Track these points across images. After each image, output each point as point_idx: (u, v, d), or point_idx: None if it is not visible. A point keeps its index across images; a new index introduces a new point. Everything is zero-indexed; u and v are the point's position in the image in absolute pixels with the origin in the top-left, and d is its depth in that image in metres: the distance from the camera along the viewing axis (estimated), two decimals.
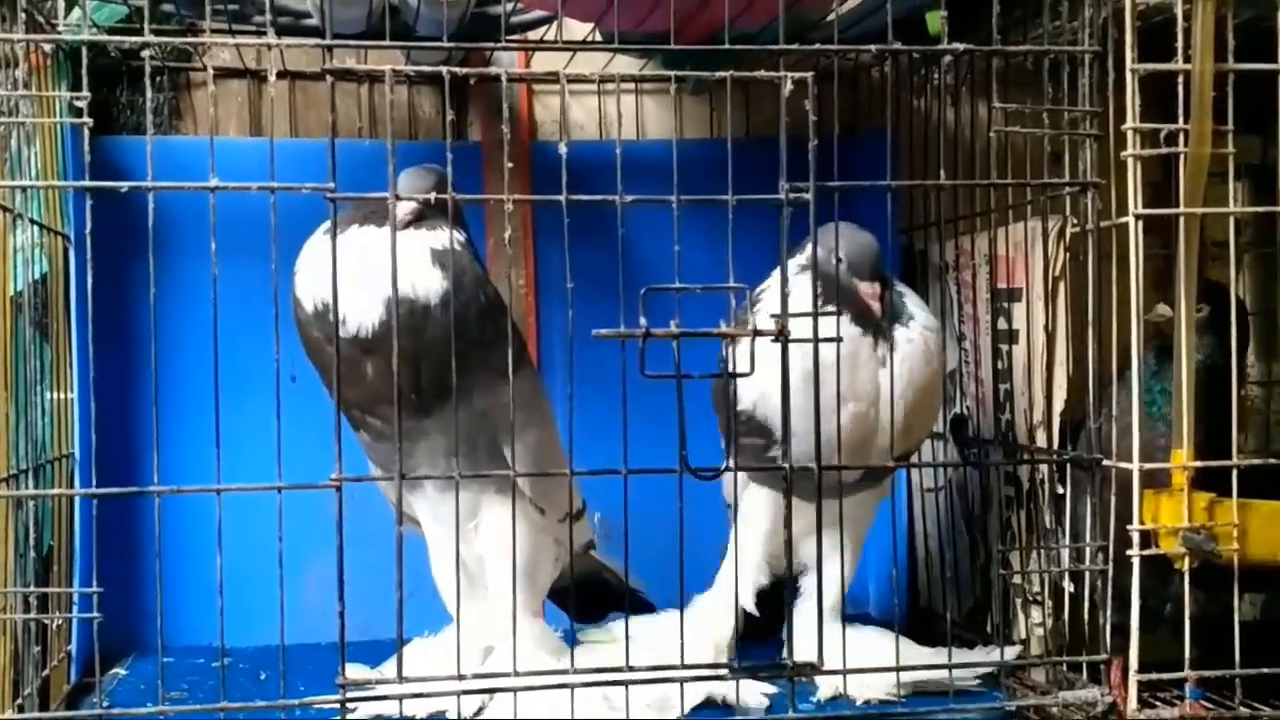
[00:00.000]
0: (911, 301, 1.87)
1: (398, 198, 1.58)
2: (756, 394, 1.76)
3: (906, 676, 1.81)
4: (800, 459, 1.65)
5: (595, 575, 2.12)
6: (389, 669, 1.69)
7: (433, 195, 1.65)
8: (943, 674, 1.79)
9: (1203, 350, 1.82)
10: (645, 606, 2.12)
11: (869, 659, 1.78)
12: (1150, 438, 1.71)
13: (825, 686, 1.84)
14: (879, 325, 1.79)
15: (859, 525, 1.86)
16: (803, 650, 1.71)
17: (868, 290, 1.78)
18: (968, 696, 1.84)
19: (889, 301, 1.81)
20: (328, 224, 1.67)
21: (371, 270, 1.64)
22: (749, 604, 1.96)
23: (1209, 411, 1.74)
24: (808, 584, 1.95)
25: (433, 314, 1.67)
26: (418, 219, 1.71)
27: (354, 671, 1.65)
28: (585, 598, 2.06)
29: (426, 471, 1.73)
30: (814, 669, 1.71)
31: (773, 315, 1.63)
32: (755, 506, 1.94)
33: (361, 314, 1.67)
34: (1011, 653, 1.92)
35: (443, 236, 1.73)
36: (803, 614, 1.91)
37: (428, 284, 1.68)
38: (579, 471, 1.64)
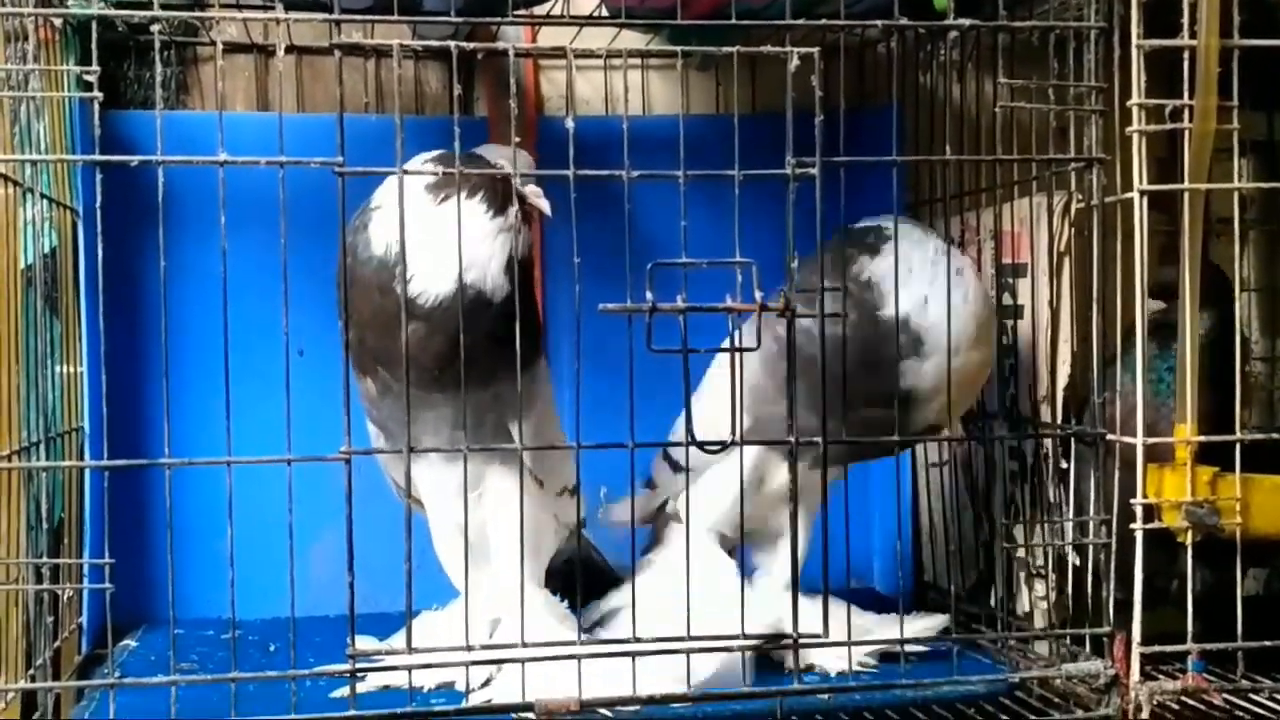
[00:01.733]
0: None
1: (405, 172, 1.59)
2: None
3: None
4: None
5: (586, 555, 2.13)
6: (398, 642, 1.71)
7: (440, 169, 1.65)
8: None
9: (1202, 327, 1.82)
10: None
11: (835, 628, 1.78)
12: (1155, 412, 1.72)
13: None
14: None
15: (813, 496, 1.84)
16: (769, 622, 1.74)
17: None
18: (972, 667, 1.85)
19: None
20: (426, 171, 1.70)
21: (455, 246, 1.66)
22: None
23: (1212, 388, 1.75)
24: (764, 558, 1.97)
25: (493, 309, 1.69)
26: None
27: (362, 643, 1.66)
28: (572, 579, 2.06)
29: (431, 440, 1.74)
30: (819, 640, 1.72)
31: (780, 290, 1.63)
32: (724, 477, 1.91)
33: (430, 282, 1.67)
34: (933, 622, 1.94)
35: (524, 239, 1.75)
36: (762, 588, 1.95)
37: (497, 281, 1.70)
38: (586, 445, 1.65)
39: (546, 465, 1.85)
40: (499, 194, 1.73)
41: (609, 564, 2.17)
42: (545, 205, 1.78)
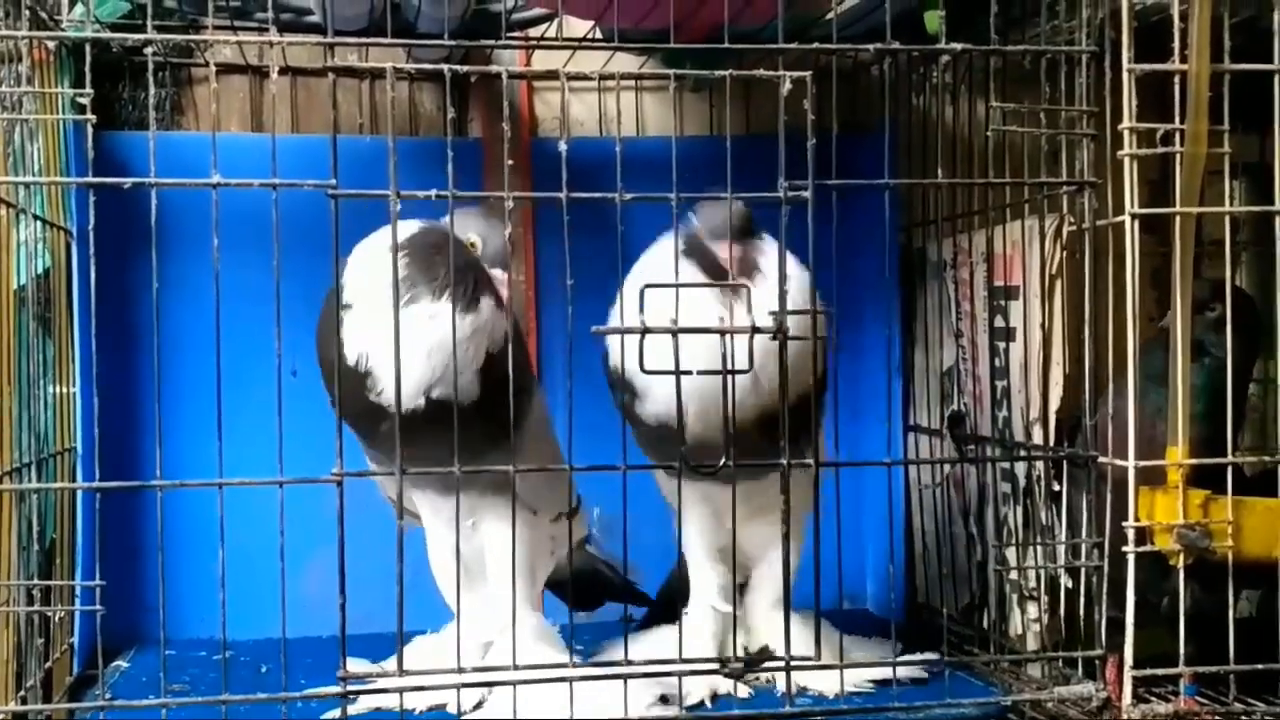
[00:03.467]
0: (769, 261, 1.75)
1: (399, 195, 1.59)
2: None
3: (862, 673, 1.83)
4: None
5: (591, 568, 2.15)
6: (390, 665, 1.71)
7: (433, 192, 1.66)
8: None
9: (1219, 349, 1.83)
10: (640, 598, 2.13)
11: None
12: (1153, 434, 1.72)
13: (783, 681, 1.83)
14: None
15: (795, 510, 1.80)
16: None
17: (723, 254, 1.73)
18: (964, 690, 1.85)
19: (752, 263, 1.75)
20: (381, 275, 1.64)
21: (422, 353, 1.64)
22: (720, 603, 1.93)
23: (1216, 413, 1.75)
24: (756, 575, 1.98)
25: (469, 409, 1.66)
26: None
27: (354, 665, 1.66)
28: (582, 590, 2.08)
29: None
30: (813, 664, 1.72)
31: (771, 312, 1.63)
32: (687, 504, 1.85)
33: (402, 395, 1.61)
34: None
35: (498, 327, 1.71)
36: (749, 605, 1.96)
37: (469, 388, 1.67)
38: (578, 467, 1.65)
39: (540, 494, 1.85)
40: (469, 287, 1.68)
41: (618, 574, 2.16)
42: (505, 292, 1.73)
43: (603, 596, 2.19)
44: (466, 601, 1.75)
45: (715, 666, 1.78)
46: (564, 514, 1.91)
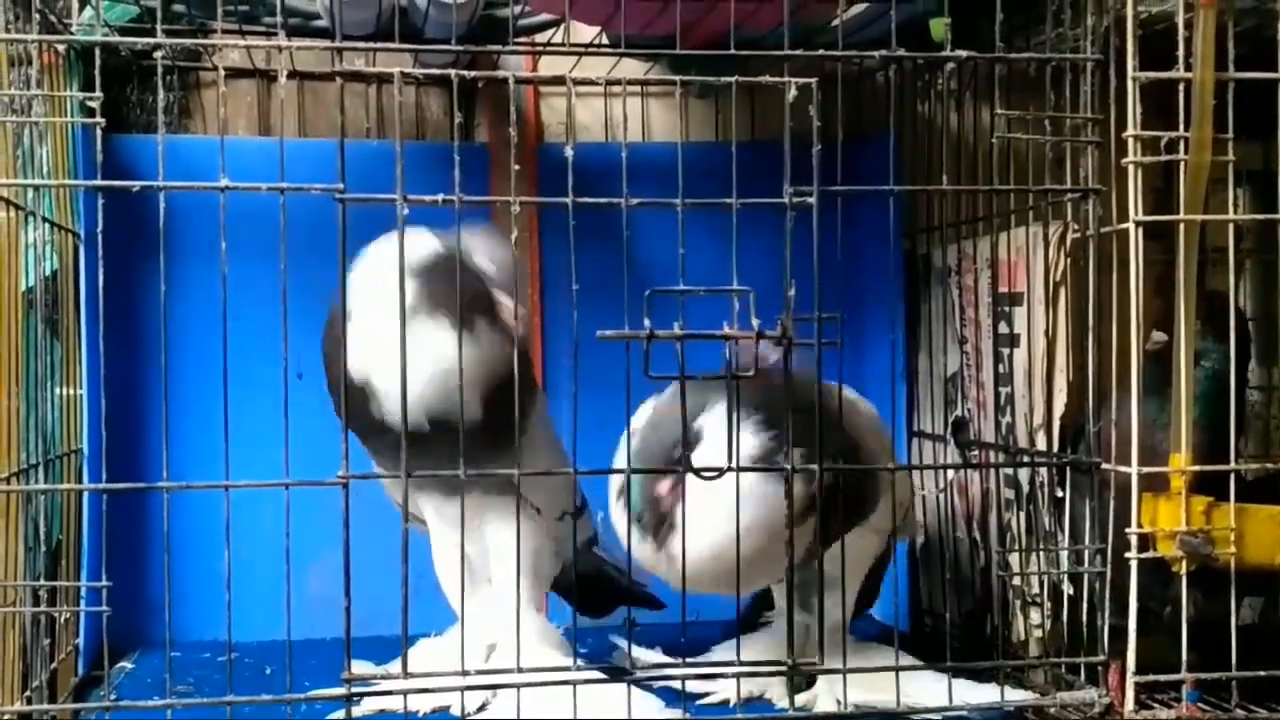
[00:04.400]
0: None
1: (405, 199, 1.60)
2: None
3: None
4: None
5: (599, 570, 2.14)
6: (394, 668, 1.71)
7: (440, 197, 1.66)
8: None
9: (1210, 360, 1.83)
10: (649, 601, 2.13)
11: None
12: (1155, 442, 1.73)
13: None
14: None
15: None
16: None
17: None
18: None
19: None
20: (387, 292, 1.63)
21: (423, 378, 1.67)
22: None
23: (1215, 421, 1.75)
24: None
25: (471, 425, 1.67)
26: None
27: (358, 667, 1.67)
28: (590, 593, 2.08)
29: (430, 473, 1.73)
30: (814, 668, 1.73)
31: (777, 317, 1.63)
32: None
33: (399, 412, 1.62)
34: (1021, 695, 1.84)
35: (502, 353, 1.73)
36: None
37: (472, 406, 1.69)
38: (583, 471, 1.65)
39: (544, 493, 1.86)
40: (477, 313, 1.71)
41: (622, 576, 2.16)
42: (509, 317, 1.76)
43: (612, 601, 2.18)
44: (470, 604, 1.75)
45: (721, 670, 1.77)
46: (568, 513, 1.92)
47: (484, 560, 1.87)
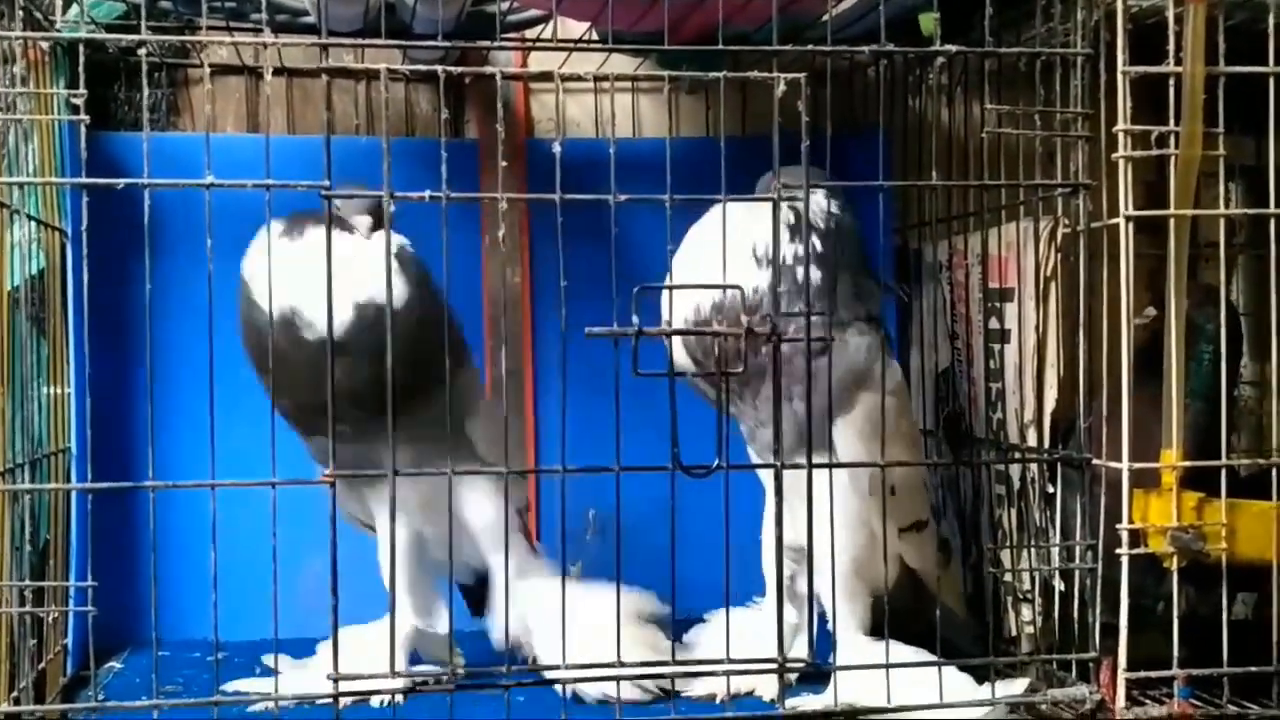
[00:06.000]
0: None
1: (393, 195, 1.59)
2: None
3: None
4: None
5: None
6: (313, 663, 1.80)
7: (427, 193, 1.65)
8: None
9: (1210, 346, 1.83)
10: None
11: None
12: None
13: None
14: None
15: None
16: None
17: None
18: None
19: None
20: (277, 226, 1.71)
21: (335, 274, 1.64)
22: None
23: (1213, 410, 1.75)
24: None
25: (399, 318, 1.66)
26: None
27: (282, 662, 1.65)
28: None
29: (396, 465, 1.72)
30: (806, 665, 1.72)
31: (765, 315, 1.63)
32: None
33: (324, 314, 1.64)
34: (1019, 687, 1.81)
35: (399, 240, 1.75)
36: None
37: (396, 289, 1.66)
38: (571, 469, 1.65)
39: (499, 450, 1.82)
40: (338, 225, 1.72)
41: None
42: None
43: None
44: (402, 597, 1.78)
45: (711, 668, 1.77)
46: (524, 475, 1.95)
47: (441, 543, 1.86)
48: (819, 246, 1.77)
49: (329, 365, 1.59)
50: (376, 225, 1.74)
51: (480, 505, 1.88)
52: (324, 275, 1.60)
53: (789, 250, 1.75)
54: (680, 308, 1.74)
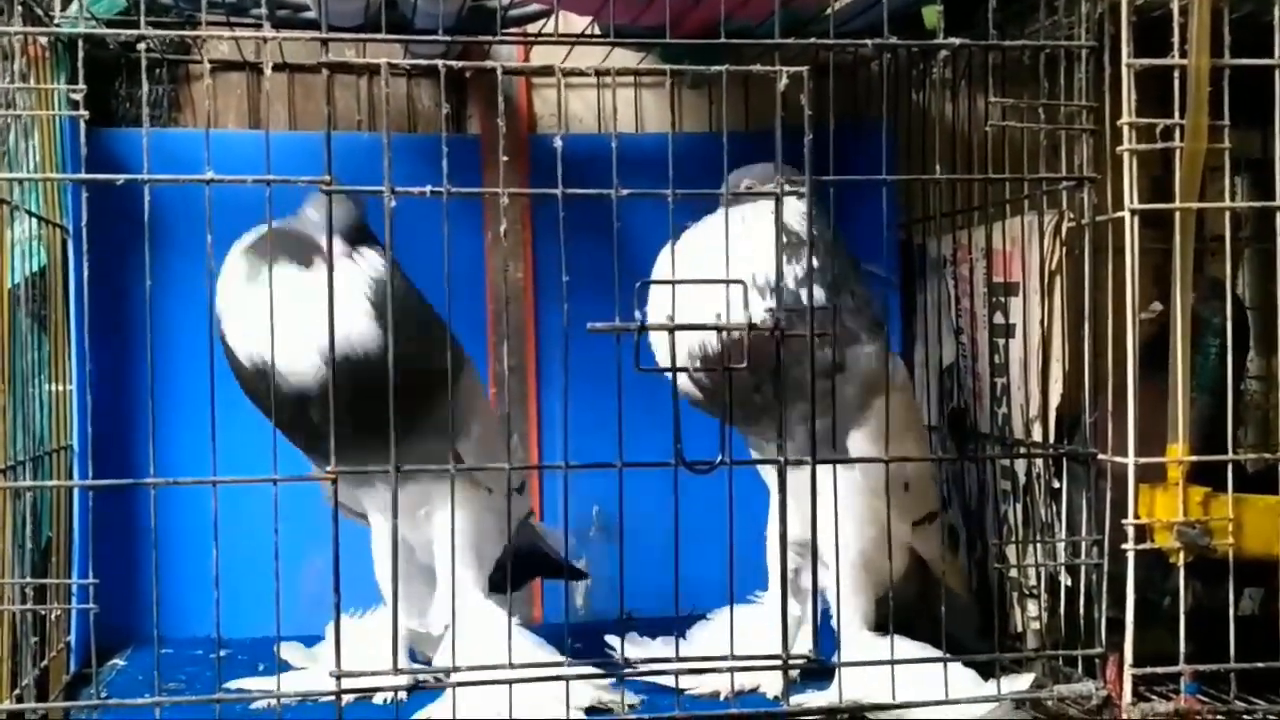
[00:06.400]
0: None
1: (394, 191, 1.58)
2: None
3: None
4: None
5: (532, 545, 2.12)
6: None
7: (428, 189, 1.64)
8: None
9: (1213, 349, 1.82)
10: (578, 574, 2.13)
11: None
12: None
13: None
14: None
15: None
16: None
17: None
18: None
19: None
20: (240, 262, 1.69)
21: (302, 319, 1.63)
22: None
23: (1218, 404, 1.74)
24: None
25: (374, 361, 1.65)
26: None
27: (288, 650, 1.63)
28: (520, 566, 2.00)
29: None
30: (809, 661, 1.72)
31: (769, 310, 1.63)
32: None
33: (300, 370, 1.65)
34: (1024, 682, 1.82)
35: (373, 266, 1.71)
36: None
37: (369, 332, 1.66)
38: (574, 465, 1.64)
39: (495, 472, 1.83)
40: (312, 251, 1.69)
41: (556, 553, 2.14)
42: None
43: (535, 573, 2.19)
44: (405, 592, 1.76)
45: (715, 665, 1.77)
46: (515, 490, 1.91)
47: (428, 551, 1.86)
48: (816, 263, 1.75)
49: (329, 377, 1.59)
50: (358, 241, 1.71)
51: (454, 520, 1.75)
52: (294, 320, 1.60)
53: (790, 272, 1.73)
54: (684, 341, 1.69)
